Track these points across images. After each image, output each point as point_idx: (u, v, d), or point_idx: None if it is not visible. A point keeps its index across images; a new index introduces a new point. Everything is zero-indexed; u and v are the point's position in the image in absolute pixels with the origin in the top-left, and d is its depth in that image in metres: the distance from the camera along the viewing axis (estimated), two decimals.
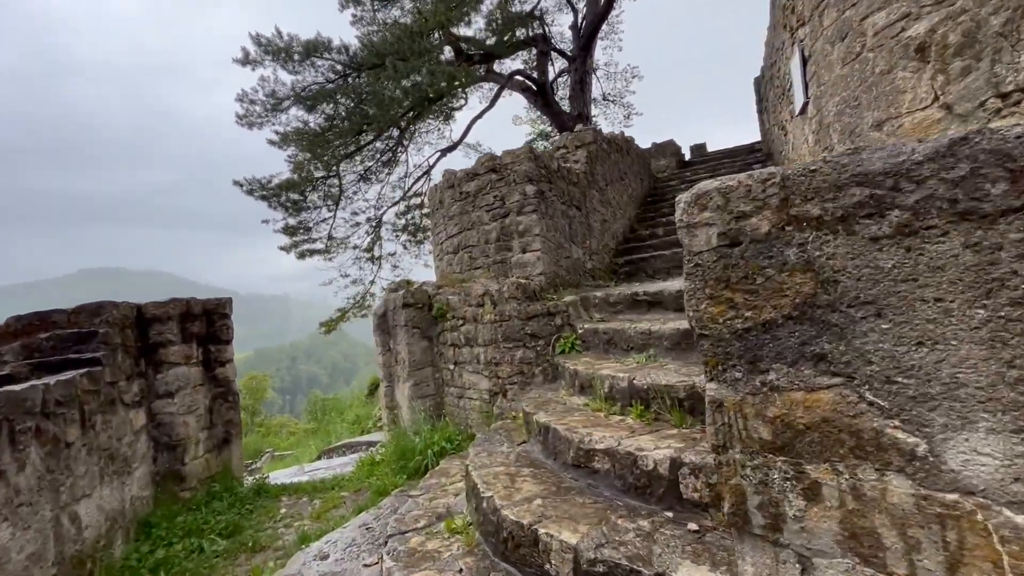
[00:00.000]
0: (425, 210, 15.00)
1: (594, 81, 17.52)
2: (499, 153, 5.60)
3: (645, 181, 9.93)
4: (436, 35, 12.63)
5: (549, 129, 22.10)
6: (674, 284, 4.32)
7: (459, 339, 5.08)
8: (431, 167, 14.79)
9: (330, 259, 14.60)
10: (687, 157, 13.26)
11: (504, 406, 4.50)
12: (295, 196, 13.37)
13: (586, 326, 4.31)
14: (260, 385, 23.85)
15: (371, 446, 7.40)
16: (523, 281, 4.69)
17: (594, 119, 17.44)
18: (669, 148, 12.87)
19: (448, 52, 13.17)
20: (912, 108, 3.71)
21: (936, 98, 3.59)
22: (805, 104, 5.02)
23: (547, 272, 5.21)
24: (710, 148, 14.33)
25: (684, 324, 3.31)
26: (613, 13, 16.51)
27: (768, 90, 8.97)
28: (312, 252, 14.35)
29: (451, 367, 5.22)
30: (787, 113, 6.35)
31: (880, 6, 3.86)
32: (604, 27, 16.83)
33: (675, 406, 2.64)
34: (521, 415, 3.65)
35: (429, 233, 15.44)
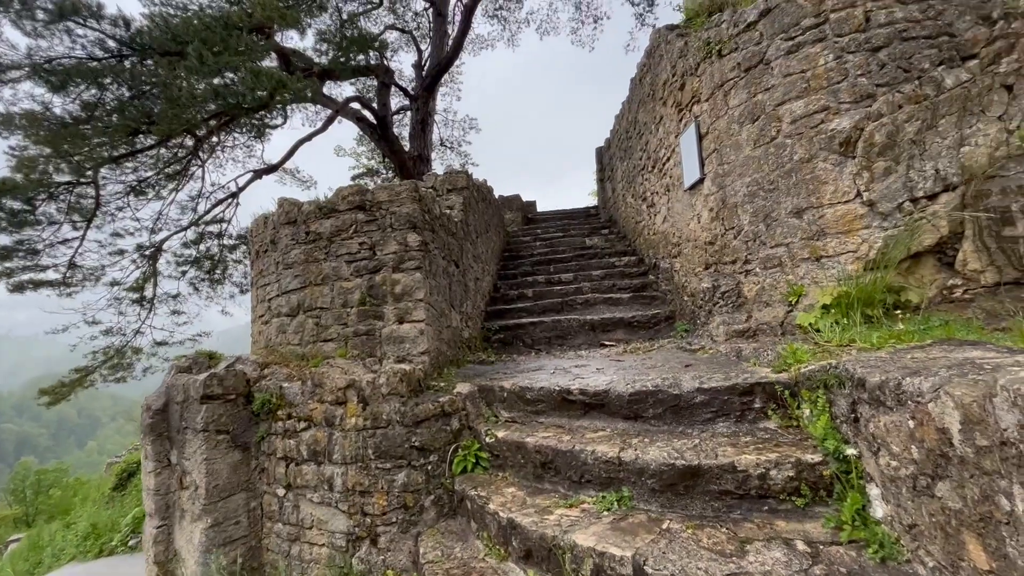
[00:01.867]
0: (228, 241, 12.04)
1: (434, 124, 16.99)
2: (337, 185, 4.22)
3: (502, 234, 9.37)
4: (257, 36, 10.50)
5: (379, 165, 20.74)
6: (603, 377, 3.50)
7: (299, 451, 3.41)
8: (240, 189, 12.04)
9: (69, 294, 10.49)
10: (531, 215, 13.33)
11: (374, 560, 3.00)
12: (16, 204, 9.33)
13: (497, 434, 3.17)
14: None
15: None
16: (407, 368, 3.34)
17: (431, 162, 16.76)
18: (515, 202, 12.77)
19: (273, 59, 11.08)
20: (834, 200, 3.65)
21: (859, 194, 3.59)
22: (700, 180, 4.92)
23: (431, 350, 3.94)
24: (538, 208, 14.85)
25: (671, 449, 2.44)
26: (456, 63, 16.39)
27: (617, 161, 9.37)
28: (38, 284, 10.11)
29: (281, 492, 3.47)
30: (659, 186, 6.41)
31: (798, 95, 3.82)
32: (445, 75, 16.57)
33: None
34: None
35: (230, 271, 12.38)
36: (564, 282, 7.25)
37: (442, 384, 3.68)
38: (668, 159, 5.91)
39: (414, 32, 15.67)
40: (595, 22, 14.14)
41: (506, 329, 5.94)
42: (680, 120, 5.36)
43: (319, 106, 14.50)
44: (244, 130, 12.51)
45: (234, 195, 11.92)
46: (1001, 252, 3.23)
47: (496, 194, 12.28)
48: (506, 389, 3.51)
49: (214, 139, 12.27)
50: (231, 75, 8.81)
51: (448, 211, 5.38)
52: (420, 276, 3.88)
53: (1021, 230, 3.15)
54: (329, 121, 14.37)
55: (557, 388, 3.23)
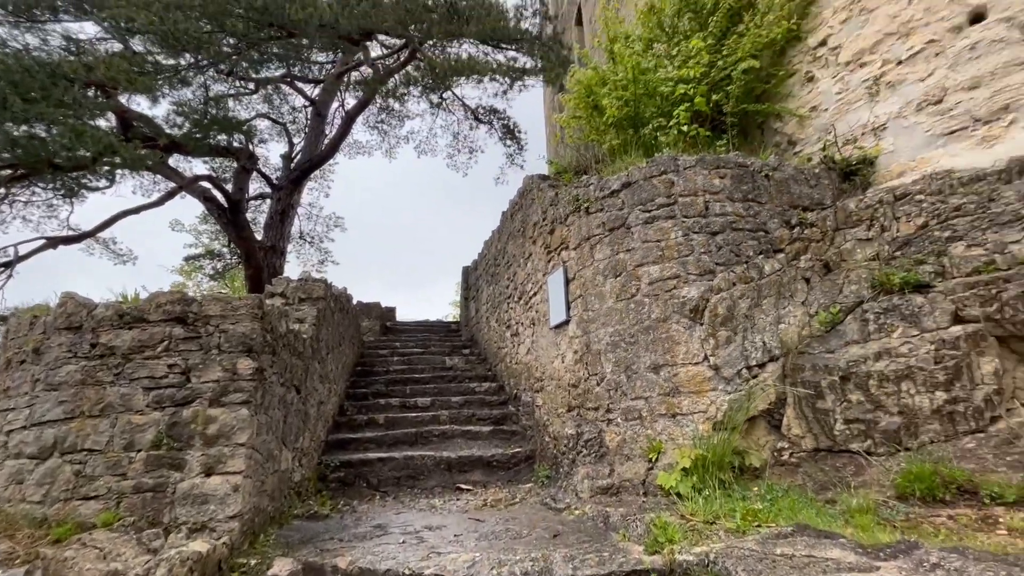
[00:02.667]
0: None
1: (296, 217, 16.11)
2: (164, 262, 3.47)
3: (356, 346, 8.61)
4: (96, 93, 9.19)
5: (222, 248, 18.74)
6: (462, 555, 2.98)
7: None
8: (19, 258, 9.57)
9: None
10: (389, 324, 12.73)
11: None
12: None
13: None
14: None
15: None
16: (203, 550, 2.47)
17: (287, 254, 15.58)
18: (375, 310, 12.14)
19: (112, 120, 9.69)
20: (686, 361, 3.91)
21: (707, 357, 3.89)
22: (566, 321, 5.05)
23: (246, 512, 3.05)
24: (399, 316, 14.42)
25: None
26: (329, 162, 16.21)
27: (483, 283, 9.56)
28: None
29: None
30: (525, 318, 6.51)
31: (655, 261, 4.21)
32: (316, 172, 16.21)
33: None
34: None
35: None
36: (421, 407, 6.69)
37: (253, 562, 2.80)
38: (535, 294, 6.09)
39: (288, 125, 15.29)
40: (470, 152, 15.29)
41: (348, 465, 5.10)
42: (549, 261, 5.63)
43: (161, 176, 12.90)
44: (51, 187, 10.35)
45: (7, 265, 9.39)
46: (816, 422, 3.67)
47: (356, 300, 11.58)
48: (340, 570, 2.78)
49: (5, 190, 9.91)
50: (39, 128, 7.35)
51: (298, 325, 4.70)
52: (247, 413, 3.11)
53: (830, 404, 3.64)
54: (168, 196, 12.74)
55: (407, 574, 2.63)
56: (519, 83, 11.08)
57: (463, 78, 10.86)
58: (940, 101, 4.25)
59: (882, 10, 4.61)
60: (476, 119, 14.56)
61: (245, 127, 12.79)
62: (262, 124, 15.18)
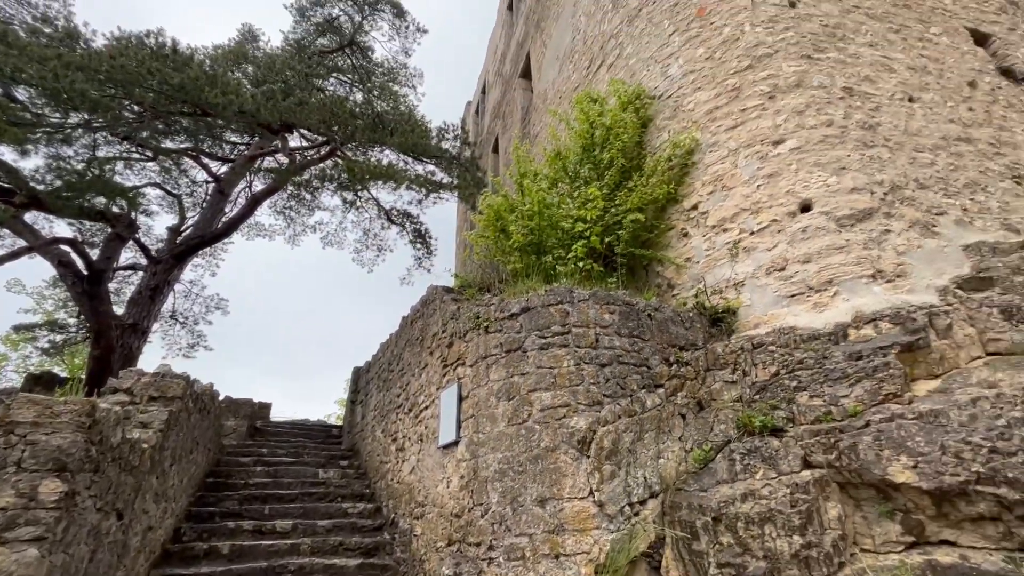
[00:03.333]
0: None
1: (171, 295, 14.56)
2: None
3: (212, 452, 7.46)
4: None
5: (69, 318, 16.25)
6: None
7: None
8: None
9: None
10: (259, 424, 11.34)
11: None
12: None
13: None
14: None
15: None
16: None
17: (152, 334, 13.78)
18: (244, 407, 10.81)
19: None
20: (572, 495, 3.85)
21: (592, 492, 3.86)
22: (455, 442, 4.84)
23: None
24: (274, 413, 13.01)
25: None
26: (225, 240, 15.26)
27: (374, 388, 9.03)
28: None
29: None
30: (413, 432, 6.15)
31: (547, 387, 4.28)
32: (206, 249, 15.13)
33: None
34: None
35: None
36: (279, 532, 5.77)
37: None
38: (427, 407, 5.84)
39: (184, 198, 14.37)
40: (379, 251, 15.28)
41: None
42: (444, 375, 5.50)
43: (11, 231, 11.23)
44: None
45: None
46: (692, 565, 3.69)
47: (224, 395, 10.29)
48: None
49: None
50: None
51: (140, 432, 3.99)
52: (34, 555, 2.42)
53: (704, 546, 3.71)
54: (12, 256, 11.00)
55: None
56: (435, 195, 11.63)
57: (380, 182, 11.18)
58: (783, 269, 5.09)
59: (738, 190, 5.62)
60: (389, 220, 14.80)
61: (131, 193, 11.80)
62: (154, 193, 14.15)
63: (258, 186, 14.64)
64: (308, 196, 13.78)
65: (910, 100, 6.03)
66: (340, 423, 14.40)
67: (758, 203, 5.45)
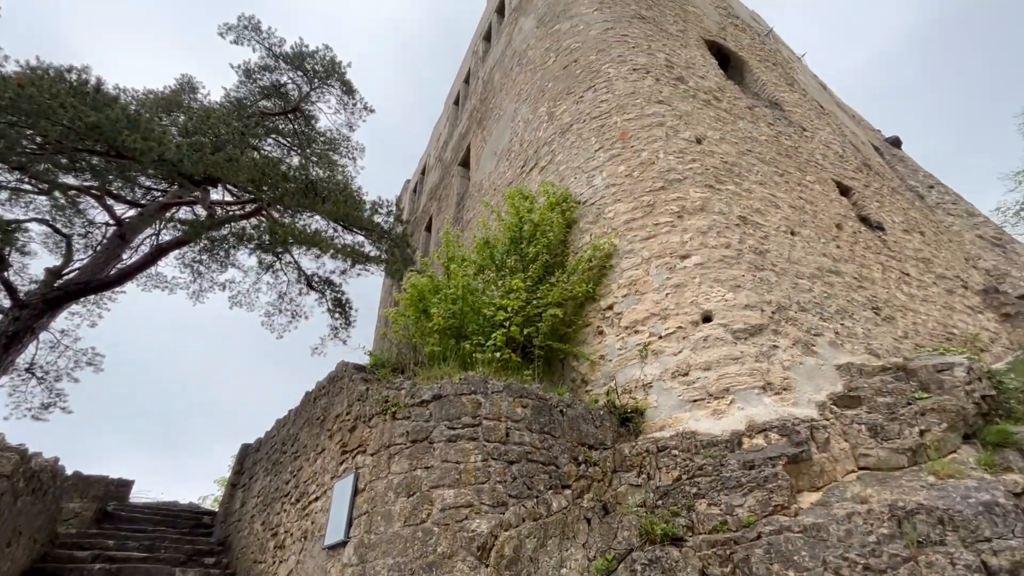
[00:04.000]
0: None
1: (34, 345, 12.67)
2: None
3: (39, 543, 6.13)
4: None
5: None
6: None
7: None
8: None
9: None
10: (112, 506, 9.61)
11: None
12: None
13: None
14: None
15: None
16: None
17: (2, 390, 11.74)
18: (95, 486, 9.16)
19: None
20: None
21: None
22: (343, 542, 4.34)
23: None
24: (134, 491, 11.14)
25: None
26: (116, 289, 13.77)
27: (261, 471, 8.08)
28: None
29: None
30: (297, 528, 5.47)
31: (451, 484, 4.05)
32: (91, 296, 13.55)
33: None
34: None
35: None
36: None
37: None
38: (317, 499, 5.27)
39: (75, 238, 13.02)
40: (293, 316, 14.44)
41: None
42: (342, 463, 5.05)
43: None
44: None
45: None
46: None
47: (74, 471, 8.77)
48: None
49: None
50: None
51: None
52: None
53: None
54: None
55: None
56: (361, 267, 11.41)
57: (304, 248, 10.84)
58: (687, 374, 5.39)
59: (649, 296, 6.03)
60: (309, 285, 14.18)
61: (10, 226, 10.51)
62: (39, 229, 12.73)
63: (168, 236, 13.64)
64: (222, 253, 12.98)
65: (792, 233, 6.98)
66: (216, 508, 12.57)
67: (666, 310, 5.85)
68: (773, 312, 5.71)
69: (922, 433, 4.73)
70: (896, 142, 15.94)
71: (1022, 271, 11.75)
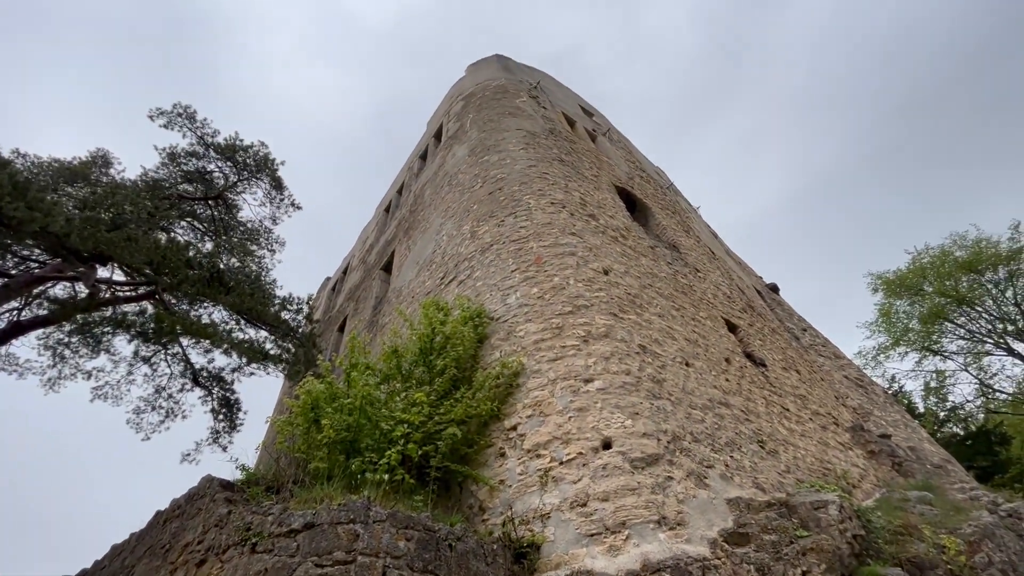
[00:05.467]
0: None
1: None
2: None
3: None
4: None
5: None
6: None
7: None
8: None
9: None
10: None
11: None
12: None
13: None
14: None
15: None
16: None
17: None
18: None
19: None
20: None
21: None
22: None
23: None
24: None
25: None
26: None
27: None
28: None
29: None
30: None
31: None
32: None
33: None
34: None
35: None
36: None
37: None
38: None
39: None
40: (168, 415, 12.72)
41: None
42: None
43: None
44: None
45: None
46: None
47: None
48: None
49: None
50: None
51: None
52: None
53: None
54: None
55: None
56: (258, 365, 10.55)
57: (195, 340, 9.93)
58: (585, 505, 5.23)
59: (552, 418, 6.01)
60: (195, 381, 12.78)
61: None
62: None
63: (32, 313, 11.99)
64: (93, 339, 11.54)
65: (687, 364, 7.47)
66: None
67: (568, 433, 5.82)
68: (669, 442, 5.86)
69: (804, 574, 4.81)
70: (775, 288, 18.31)
71: (883, 411, 13.24)
